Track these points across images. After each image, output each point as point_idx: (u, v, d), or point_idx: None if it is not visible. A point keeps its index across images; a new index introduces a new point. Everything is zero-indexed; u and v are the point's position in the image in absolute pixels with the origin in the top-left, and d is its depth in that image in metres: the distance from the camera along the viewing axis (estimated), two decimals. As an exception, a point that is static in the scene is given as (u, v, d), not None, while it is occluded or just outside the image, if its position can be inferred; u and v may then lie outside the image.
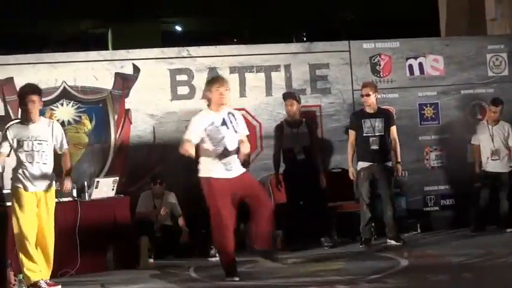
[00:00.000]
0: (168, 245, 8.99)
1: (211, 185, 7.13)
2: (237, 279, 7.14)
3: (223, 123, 7.16)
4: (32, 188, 7.21)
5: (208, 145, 7.12)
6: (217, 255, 8.59)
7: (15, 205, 7.16)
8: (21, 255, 7.11)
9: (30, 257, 7.11)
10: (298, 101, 9.22)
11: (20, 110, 7.60)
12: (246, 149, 7.20)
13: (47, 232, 7.24)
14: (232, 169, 7.17)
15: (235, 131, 7.19)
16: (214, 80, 7.36)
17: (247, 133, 7.42)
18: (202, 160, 7.18)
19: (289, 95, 9.27)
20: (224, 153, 7.10)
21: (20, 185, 7.20)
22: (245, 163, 8.97)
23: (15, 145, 7.25)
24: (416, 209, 10.07)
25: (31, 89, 7.43)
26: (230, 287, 7.05)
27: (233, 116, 7.25)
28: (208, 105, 7.30)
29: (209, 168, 7.15)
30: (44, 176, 7.26)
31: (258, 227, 7.26)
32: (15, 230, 7.15)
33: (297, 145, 9.06)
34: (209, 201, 7.19)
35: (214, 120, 7.13)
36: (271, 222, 7.31)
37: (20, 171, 7.22)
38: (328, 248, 8.97)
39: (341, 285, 6.74)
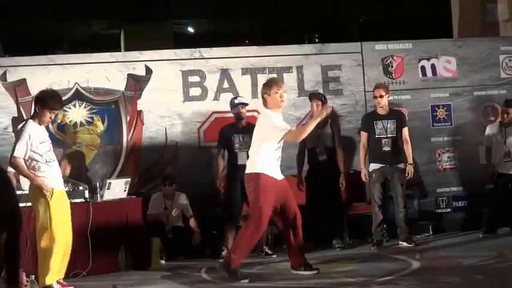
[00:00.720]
0: (180, 246, 9.01)
1: (264, 181, 7.20)
2: (246, 281, 7.13)
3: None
4: (60, 187, 7.26)
5: (274, 144, 7.24)
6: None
7: (50, 205, 7.11)
8: (47, 258, 7.04)
9: (56, 260, 7.08)
10: (324, 102, 9.21)
11: (34, 111, 7.32)
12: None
13: (70, 230, 7.29)
14: (279, 172, 7.41)
15: None
16: (272, 82, 7.42)
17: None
18: (262, 157, 7.25)
19: (315, 96, 9.24)
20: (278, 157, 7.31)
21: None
22: None
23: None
24: (428, 210, 10.05)
25: (60, 105, 7.49)
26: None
27: None
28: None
29: (267, 166, 7.24)
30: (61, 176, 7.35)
31: (295, 240, 7.43)
32: (45, 231, 7.08)
33: (320, 146, 9.06)
34: (256, 197, 7.22)
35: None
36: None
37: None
38: (339, 249, 8.98)
39: (352, 287, 6.75)
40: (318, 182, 8.99)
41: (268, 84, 7.36)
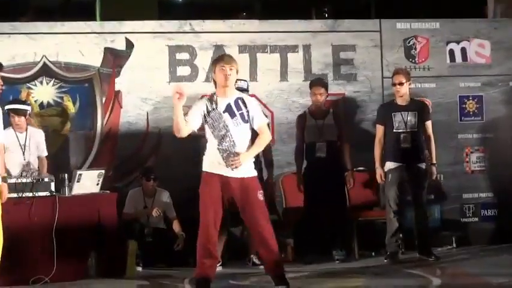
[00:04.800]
0: (160, 251, 9.03)
1: (204, 180, 7.10)
2: None
3: (227, 109, 7.11)
4: None
5: (209, 135, 7.11)
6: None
7: None
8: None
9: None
10: (327, 89, 9.21)
11: None
12: (261, 141, 7.13)
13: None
14: (237, 168, 7.13)
15: (245, 121, 7.13)
16: (219, 58, 7.35)
17: (265, 121, 7.27)
18: (205, 154, 7.17)
19: (319, 82, 9.24)
20: (228, 147, 7.06)
21: None
22: (267, 162, 9.02)
23: None
24: (452, 219, 10.10)
25: None
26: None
27: (243, 102, 7.19)
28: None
29: (208, 162, 7.13)
30: None
31: (264, 254, 7.22)
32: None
33: (320, 140, 9.07)
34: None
35: (218, 106, 7.10)
36: (275, 246, 7.16)
37: None
38: (339, 262, 9.00)
39: (361, 306, 6.78)
40: (316, 182, 9.01)
41: (215, 60, 7.32)
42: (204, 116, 7.03)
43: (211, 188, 7.02)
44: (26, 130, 8.88)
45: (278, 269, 7.07)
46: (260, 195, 7.07)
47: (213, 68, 7.22)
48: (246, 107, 7.11)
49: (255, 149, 7.11)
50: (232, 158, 6.93)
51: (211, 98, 7.10)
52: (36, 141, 8.91)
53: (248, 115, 7.08)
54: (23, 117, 8.81)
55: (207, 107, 7.05)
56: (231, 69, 7.06)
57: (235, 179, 6.99)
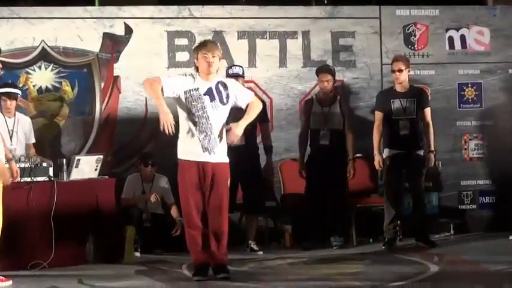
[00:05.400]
0: (158, 237, 9.04)
1: (181, 168, 7.16)
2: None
3: (208, 92, 7.11)
4: None
5: (183, 119, 7.09)
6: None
7: None
8: None
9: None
10: (334, 76, 9.20)
11: None
12: (252, 109, 7.19)
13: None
14: (214, 152, 7.10)
15: (223, 103, 7.15)
16: (202, 45, 7.33)
17: (251, 95, 7.33)
18: (179, 138, 7.16)
19: (325, 69, 9.22)
20: (204, 129, 7.03)
21: None
22: (266, 148, 9.01)
23: None
24: (450, 206, 10.09)
25: None
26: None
27: (223, 85, 7.20)
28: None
29: (184, 148, 7.14)
30: None
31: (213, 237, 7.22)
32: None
33: (325, 127, 9.06)
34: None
35: (200, 87, 7.11)
36: (223, 248, 7.17)
37: None
38: (336, 248, 9.02)
39: (359, 292, 6.80)
40: (319, 169, 9.00)
41: (197, 46, 7.30)
42: (185, 91, 7.06)
43: (190, 175, 7.10)
44: (15, 115, 8.84)
45: (221, 258, 7.14)
46: (227, 183, 7.17)
47: (195, 54, 7.23)
48: (226, 89, 7.17)
49: (248, 117, 7.18)
50: (227, 133, 7.03)
51: (194, 78, 7.12)
52: (24, 128, 8.87)
53: (228, 97, 7.15)
54: (14, 101, 8.78)
55: (189, 84, 7.08)
56: (213, 57, 7.11)
57: (210, 163, 7.08)
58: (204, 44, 7.26)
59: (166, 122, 6.86)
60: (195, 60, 7.21)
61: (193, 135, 7.04)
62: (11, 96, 8.75)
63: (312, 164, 9.14)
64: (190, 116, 7.03)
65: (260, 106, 7.35)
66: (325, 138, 9.09)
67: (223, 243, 7.12)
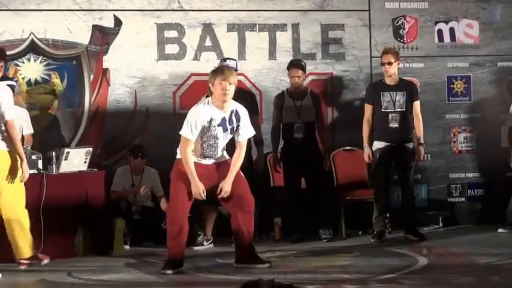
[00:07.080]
0: (148, 229, 9.01)
1: (177, 167, 7.34)
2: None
3: (222, 123, 7.26)
4: None
5: (196, 139, 7.26)
6: (204, 243, 8.71)
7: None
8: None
9: None
10: (305, 71, 9.22)
11: None
12: (238, 161, 7.36)
13: None
14: (213, 159, 7.40)
15: (233, 132, 7.36)
16: (218, 71, 7.35)
17: (250, 136, 7.60)
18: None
19: (295, 64, 9.23)
20: (209, 154, 7.31)
21: None
22: (256, 141, 9.04)
23: None
24: (439, 199, 10.12)
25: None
26: (218, 281, 7.08)
27: (236, 115, 7.34)
28: (207, 96, 7.43)
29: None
30: None
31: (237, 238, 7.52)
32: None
33: (298, 121, 9.08)
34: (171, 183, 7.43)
35: (215, 118, 7.23)
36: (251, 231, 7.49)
37: None
38: (326, 240, 9.04)
39: (348, 285, 6.78)
40: (294, 162, 9.04)
41: (214, 72, 7.35)
42: (203, 126, 7.20)
43: (187, 176, 7.21)
44: None
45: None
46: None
47: (211, 78, 7.24)
48: (238, 120, 7.32)
49: (233, 172, 7.34)
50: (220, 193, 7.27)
51: (210, 110, 7.22)
52: (21, 119, 8.84)
53: (238, 128, 7.34)
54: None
55: (206, 118, 7.20)
56: (230, 84, 7.19)
57: (210, 165, 7.34)
58: (221, 71, 7.32)
59: (199, 194, 7.18)
60: (210, 85, 7.25)
61: (197, 157, 7.29)
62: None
63: (287, 157, 9.16)
64: (203, 139, 7.24)
65: (243, 156, 7.46)
66: (299, 131, 9.10)
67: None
